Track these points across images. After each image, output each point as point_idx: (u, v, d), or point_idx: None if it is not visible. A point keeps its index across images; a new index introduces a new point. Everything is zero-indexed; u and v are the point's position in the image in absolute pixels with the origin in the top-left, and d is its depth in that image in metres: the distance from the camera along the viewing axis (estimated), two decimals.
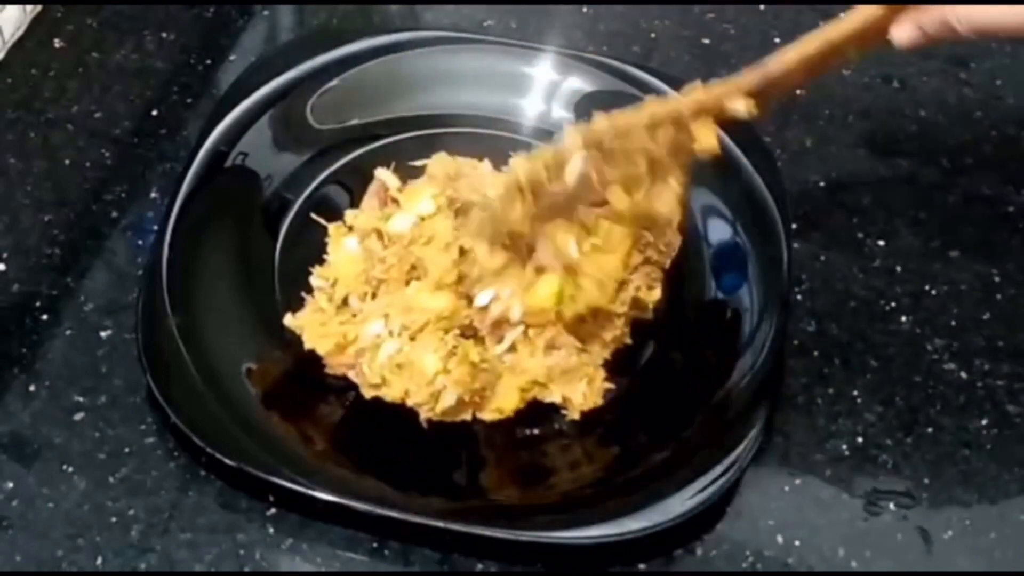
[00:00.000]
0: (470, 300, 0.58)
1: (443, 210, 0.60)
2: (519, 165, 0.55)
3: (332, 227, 0.62)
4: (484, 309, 0.57)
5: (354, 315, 0.59)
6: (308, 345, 0.58)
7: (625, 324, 0.60)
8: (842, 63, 0.57)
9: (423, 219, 0.60)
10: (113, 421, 0.57)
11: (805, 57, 0.54)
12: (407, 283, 0.59)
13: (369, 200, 0.63)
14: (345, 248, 0.61)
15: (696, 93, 0.55)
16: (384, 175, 0.63)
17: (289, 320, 0.59)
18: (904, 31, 0.53)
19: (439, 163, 0.63)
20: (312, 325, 0.59)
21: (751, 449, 0.54)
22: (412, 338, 0.57)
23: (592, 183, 0.55)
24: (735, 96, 0.55)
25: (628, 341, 0.61)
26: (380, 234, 0.61)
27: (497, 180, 0.61)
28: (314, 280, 0.61)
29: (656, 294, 0.60)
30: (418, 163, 0.64)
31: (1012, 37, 0.60)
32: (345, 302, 0.60)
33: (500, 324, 0.58)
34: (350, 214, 0.63)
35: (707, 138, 0.55)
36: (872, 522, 0.56)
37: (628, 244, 0.59)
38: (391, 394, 0.56)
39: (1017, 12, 0.50)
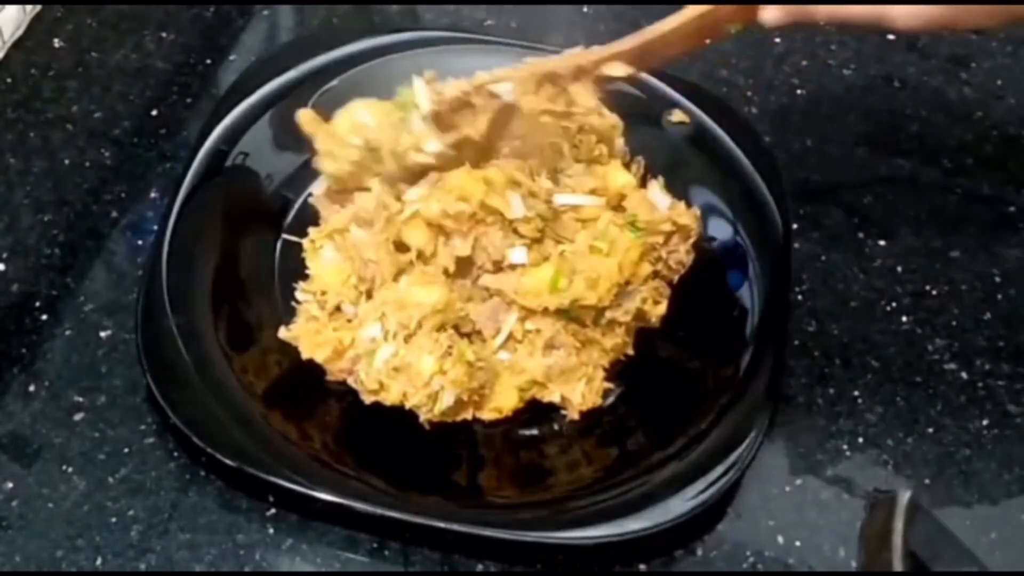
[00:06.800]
0: (460, 291, 0.59)
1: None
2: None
3: (306, 242, 0.62)
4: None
5: (349, 320, 0.59)
6: (305, 355, 0.58)
7: (627, 334, 0.60)
8: (721, 38, 0.58)
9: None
10: (113, 421, 0.57)
11: (683, 28, 0.57)
12: (396, 278, 0.59)
13: (328, 208, 0.62)
14: (324, 259, 0.61)
15: (574, 57, 0.58)
16: (323, 180, 0.62)
17: (283, 332, 0.59)
18: (771, 13, 0.55)
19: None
20: (307, 335, 0.59)
21: (751, 449, 0.54)
22: (407, 339, 0.57)
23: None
24: (612, 60, 0.58)
25: (630, 351, 0.61)
26: (361, 221, 0.60)
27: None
28: (300, 295, 0.61)
29: (661, 308, 0.60)
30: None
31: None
32: (338, 309, 0.60)
33: (493, 305, 0.58)
34: (315, 231, 0.62)
35: (584, 99, 0.58)
36: None
37: (635, 253, 0.59)
38: (390, 398, 0.56)
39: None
